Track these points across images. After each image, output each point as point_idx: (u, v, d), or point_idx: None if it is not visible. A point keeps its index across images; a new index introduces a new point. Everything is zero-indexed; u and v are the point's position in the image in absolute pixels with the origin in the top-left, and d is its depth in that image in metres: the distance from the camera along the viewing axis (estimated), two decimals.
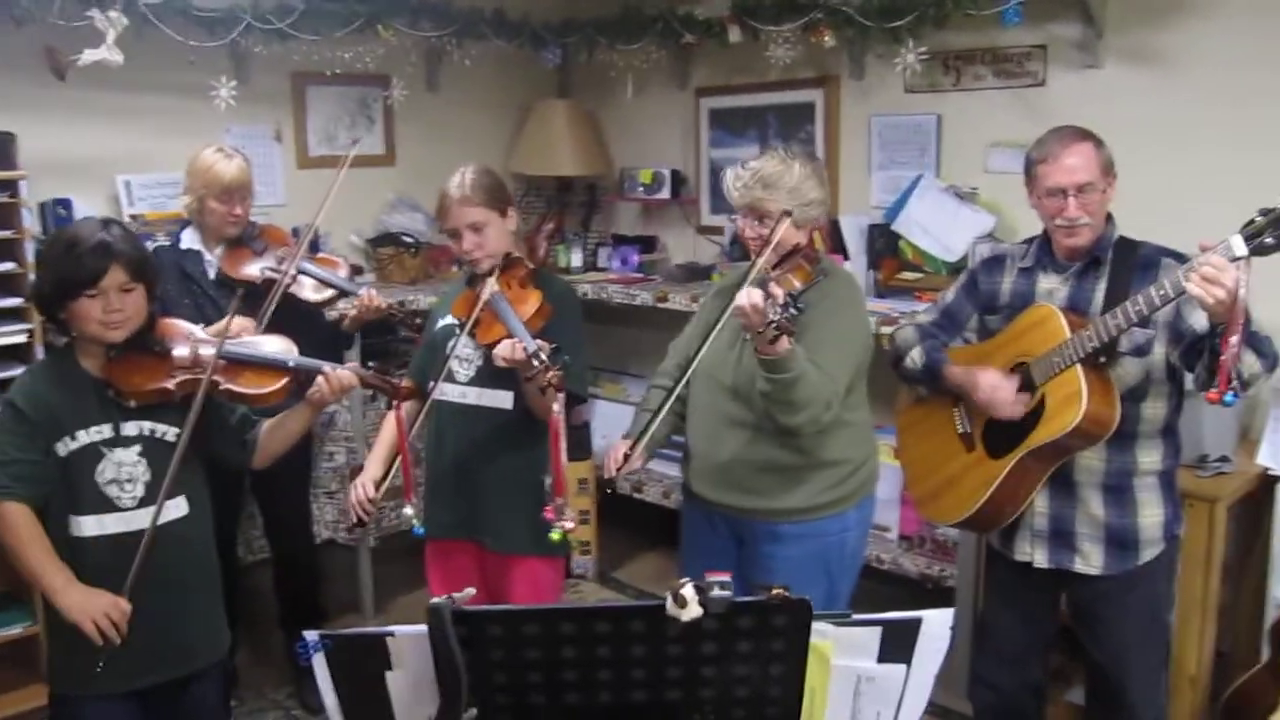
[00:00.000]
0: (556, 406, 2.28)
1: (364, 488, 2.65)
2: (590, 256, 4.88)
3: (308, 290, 3.27)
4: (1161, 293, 2.20)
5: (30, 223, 3.39)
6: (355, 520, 2.67)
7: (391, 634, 1.56)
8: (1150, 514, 2.47)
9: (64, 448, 2.25)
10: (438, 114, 4.68)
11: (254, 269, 3.24)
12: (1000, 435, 2.49)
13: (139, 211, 3.85)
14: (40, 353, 3.35)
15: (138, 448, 2.31)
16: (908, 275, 3.90)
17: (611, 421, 4.50)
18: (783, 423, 2.39)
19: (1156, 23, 3.40)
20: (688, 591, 1.51)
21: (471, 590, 1.53)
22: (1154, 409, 2.45)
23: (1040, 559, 2.53)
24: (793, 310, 2.11)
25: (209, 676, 2.45)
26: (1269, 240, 2.05)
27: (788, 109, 4.36)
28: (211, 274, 3.25)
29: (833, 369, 2.40)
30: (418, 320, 3.22)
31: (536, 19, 4.54)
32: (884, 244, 3.98)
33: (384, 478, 2.68)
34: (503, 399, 2.63)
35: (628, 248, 4.69)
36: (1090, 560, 2.49)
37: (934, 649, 1.65)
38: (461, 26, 4.25)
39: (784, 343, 2.20)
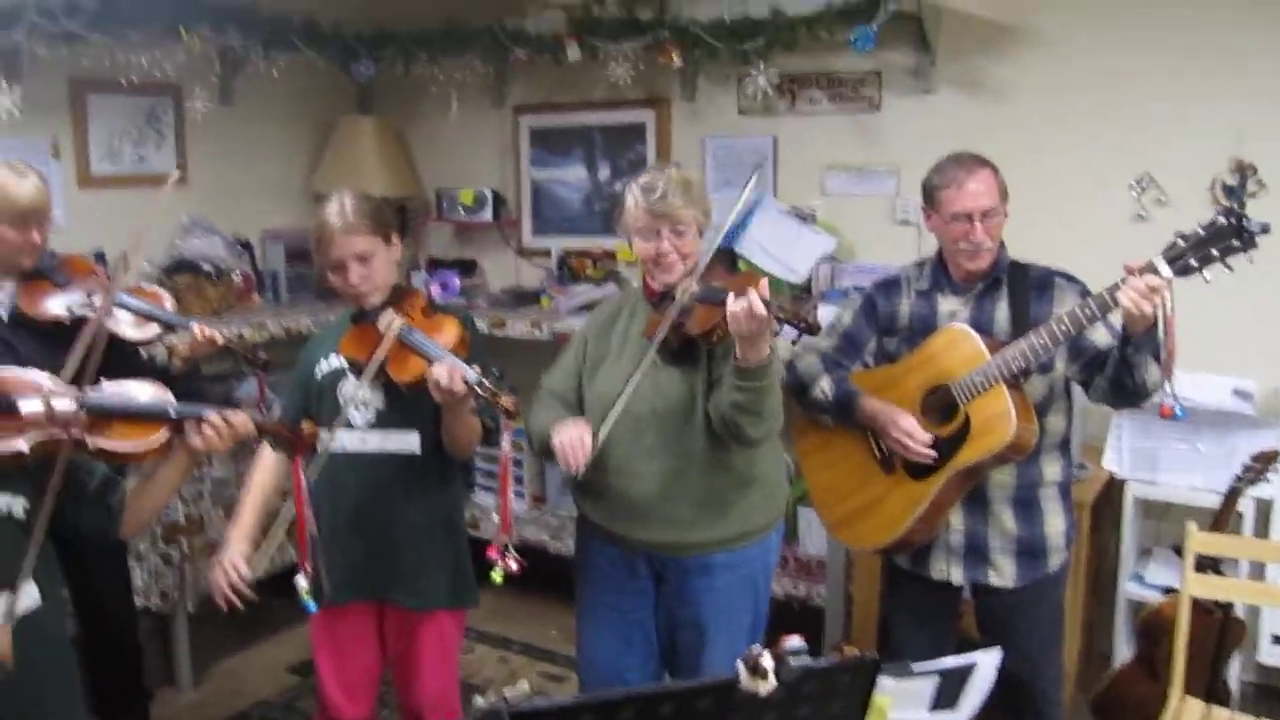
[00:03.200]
0: (507, 436, 2.09)
1: (234, 567, 2.34)
2: (402, 281, 4.59)
3: (127, 327, 2.86)
4: (1087, 312, 2.28)
5: None
6: (227, 609, 2.35)
7: None
8: (1054, 523, 2.56)
9: None
10: (233, 129, 4.28)
11: (58, 305, 2.80)
12: None
13: None
14: None
15: None
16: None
17: None
18: (749, 435, 2.28)
19: (987, 51, 3.59)
20: (766, 661, 1.38)
21: (525, 685, 1.34)
22: (1055, 423, 2.54)
23: (957, 576, 2.57)
24: (794, 308, 2.05)
25: None
26: (1192, 262, 2.16)
27: (616, 129, 4.29)
28: (4, 314, 2.79)
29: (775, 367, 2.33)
30: (261, 355, 2.90)
31: (348, 30, 4.24)
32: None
33: (257, 547, 2.38)
34: (410, 441, 2.40)
35: (447, 272, 4.46)
36: (1003, 573, 2.55)
37: (979, 692, 1.61)
38: (269, 35, 3.90)
39: (766, 346, 2.14)
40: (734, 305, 2.11)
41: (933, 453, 2.45)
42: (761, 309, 2.09)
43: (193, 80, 3.97)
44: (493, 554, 2.17)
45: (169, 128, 4.10)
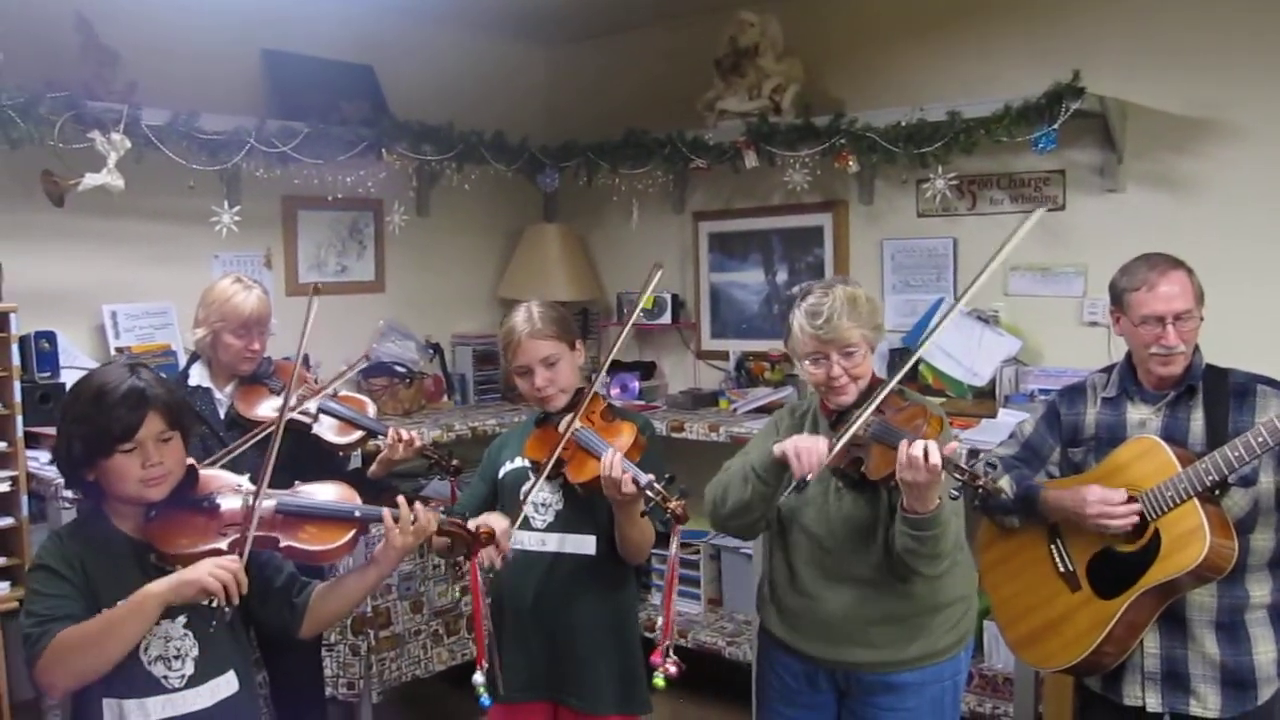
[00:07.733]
0: (675, 540, 2.11)
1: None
2: (584, 384, 4.72)
3: (329, 432, 3.03)
4: None
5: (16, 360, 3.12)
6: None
7: None
8: (1265, 650, 2.37)
9: None
10: (427, 239, 4.54)
11: (270, 409, 3.00)
12: (1108, 574, 2.38)
13: (125, 344, 3.60)
14: (25, 503, 3.06)
15: (183, 618, 2.04)
16: (931, 400, 3.83)
17: None
18: (925, 574, 2.24)
19: (1178, 147, 3.46)
20: None
21: None
22: (1262, 540, 2.37)
23: (1153, 703, 2.41)
24: (974, 466, 2.00)
25: None
26: None
27: (793, 233, 4.32)
28: (222, 413, 3.01)
29: (953, 504, 2.27)
30: (454, 462, 3.01)
31: (534, 143, 4.46)
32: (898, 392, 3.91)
33: None
34: (586, 544, 2.45)
35: (627, 374, 4.55)
36: (1207, 703, 2.37)
37: None
38: (462, 151, 4.14)
39: (934, 497, 2.09)
40: (906, 452, 2.07)
41: (1137, 507, 2.31)
42: (937, 462, 2.06)
43: (392, 195, 4.24)
44: (656, 659, 2.22)
45: (369, 239, 4.38)
